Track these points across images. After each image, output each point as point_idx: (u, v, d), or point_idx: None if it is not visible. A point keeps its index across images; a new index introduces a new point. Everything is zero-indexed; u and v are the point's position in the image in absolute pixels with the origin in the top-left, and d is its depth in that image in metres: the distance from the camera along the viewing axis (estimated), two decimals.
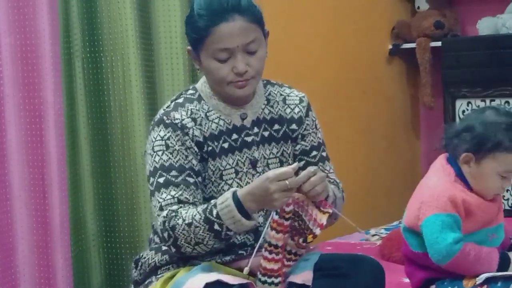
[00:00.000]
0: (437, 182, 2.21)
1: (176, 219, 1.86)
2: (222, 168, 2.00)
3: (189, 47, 2.02)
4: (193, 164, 1.95)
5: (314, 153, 2.11)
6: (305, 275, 1.97)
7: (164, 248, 2.00)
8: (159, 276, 2.00)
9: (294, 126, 2.09)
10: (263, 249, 1.87)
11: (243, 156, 2.03)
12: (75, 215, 2.84)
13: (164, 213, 1.89)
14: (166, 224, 1.87)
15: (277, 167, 2.02)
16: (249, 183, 1.98)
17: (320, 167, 2.06)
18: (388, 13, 4.01)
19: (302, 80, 3.53)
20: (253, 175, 2.02)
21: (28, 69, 2.68)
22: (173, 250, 1.91)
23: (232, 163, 2.01)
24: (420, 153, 4.11)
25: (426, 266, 2.21)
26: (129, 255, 2.85)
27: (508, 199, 3.63)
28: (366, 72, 3.91)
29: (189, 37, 2.00)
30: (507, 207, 3.53)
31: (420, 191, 2.26)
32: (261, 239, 1.85)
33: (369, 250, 2.92)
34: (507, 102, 3.64)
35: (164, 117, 1.97)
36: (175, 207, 1.88)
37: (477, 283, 2.12)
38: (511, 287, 2.08)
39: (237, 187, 1.97)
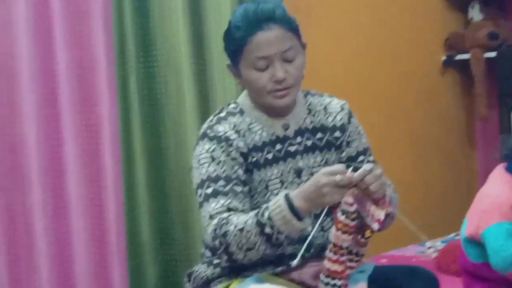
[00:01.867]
0: (498, 191, 2.18)
1: (227, 226, 1.87)
2: (267, 179, 2.02)
3: (228, 62, 2.05)
4: (240, 174, 1.97)
5: (361, 158, 2.11)
6: (359, 287, 1.96)
7: (215, 261, 2.01)
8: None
9: (337, 134, 2.10)
10: (328, 250, 1.85)
11: (288, 166, 2.04)
12: (131, 228, 2.87)
13: (215, 221, 1.89)
14: (217, 231, 1.87)
15: None
16: None
17: None
18: (441, 24, 3.97)
19: (355, 94, 3.51)
20: (298, 184, 2.02)
21: (84, 85, 2.74)
22: (225, 257, 1.91)
23: (277, 173, 2.03)
24: (477, 164, 4.05)
25: (485, 277, 2.18)
26: (184, 268, 2.86)
27: None
28: (420, 84, 3.87)
29: (227, 51, 2.03)
30: None
31: (480, 200, 2.24)
32: (305, 244, 1.82)
33: (425, 262, 2.89)
34: None
35: (208, 131, 2.01)
36: (225, 214, 1.89)
37: None
38: None
39: None
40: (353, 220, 1.82)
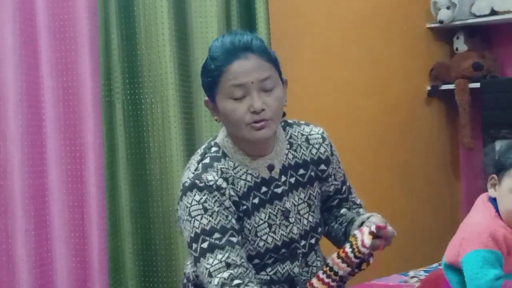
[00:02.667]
0: (478, 219, 2.19)
1: None
2: (256, 225, 1.97)
3: (206, 98, 1.98)
4: (234, 224, 1.90)
5: (344, 188, 2.12)
6: None
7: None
8: None
9: (323, 167, 2.06)
10: (321, 271, 1.90)
11: (275, 209, 1.99)
12: (114, 255, 2.86)
13: (216, 280, 1.83)
14: None
15: (307, 212, 2.03)
16: (283, 235, 1.98)
17: (351, 199, 2.14)
18: (426, 55, 4.01)
19: (342, 125, 3.55)
20: (286, 226, 1.99)
21: (69, 111, 2.75)
22: None
23: (265, 217, 1.97)
24: (461, 194, 4.07)
25: None
26: None
27: None
28: (405, 114, 3.90)
29: (204, 84, 1.97)
30: None
31: (462, 228, 2.25)
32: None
33: None
34: None
35: (197, 181, 1.91)
36: (225, 274, 1.83)
37: None
38: None
39: (271, 241, 1.97)
40: (357, 258, 1.87)
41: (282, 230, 1.98)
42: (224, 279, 1.83)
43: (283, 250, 2.00)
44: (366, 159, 3.61)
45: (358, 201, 2.17)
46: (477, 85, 3.81)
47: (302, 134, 2.06)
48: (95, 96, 2.74)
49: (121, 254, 2.90)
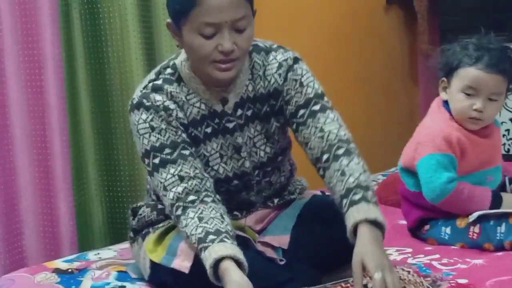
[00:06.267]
0: (433, 123, 2.25)
1: (181, 218, 1.81)
2: (207, 154, 1.94)
3: (169, 20, 1.86)
4: (184, 137, 1.88)
5: (301, 112, 1.91)
6: (282, 239, 1.97)
7: (160, 206, 1.98)
8: (155, 227, 2.01)
9: (272, 101, 1.96)
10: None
11: (226, 141, 1.95)
12: (76, 164, 2.88)
13: (171, 195, 1.83)
14: (173, 211, 1.83)
15: (264, 143, 1.98)
16: (234, 167, 1.96)
17: (311, 124, 1.89)
18: None
19: (298, 31, 3.55)
20: (237, 160, 1.97)
21: (26, 21, 2.70)
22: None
23: (217, 147, 1.94)
24: (419, 101, 4.13)
25: (421, 205, 2.26)
26: (131, 203, 2.89)
27: (504, 144, 3.67)
28: (364, 21, 3.91)
29: (170, 8, 1.84)
30: (503, 152, 3.56)
31: (417, 133, 2.31)
32: None
33: None
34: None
35: (144, 100, 1.87)
36: (179, 188, 1.82)
37: (470, 221, 2.17)
38: (503, 225, 2.13)
39: (223, 172, 1.95)
40: None
41: (233, 163, 1.97)
42: (179, 193, 1.83)
43: (235, 182, 1.99)
44: (324, 67, 3.62)
45: (340, 134, 1.89)
46: None
47: (264, 65, 1.95)
48: (52, 6, 2.70)
49: (84, 162, 2.92)
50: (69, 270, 2.21)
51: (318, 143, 1.87)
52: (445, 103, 2.26)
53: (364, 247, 1.67)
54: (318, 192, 2.19)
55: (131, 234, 2.10)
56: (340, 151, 1.84)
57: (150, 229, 2.02)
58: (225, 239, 1.74)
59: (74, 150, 2.86)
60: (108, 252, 2.41)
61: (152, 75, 1.94)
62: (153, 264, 1.92)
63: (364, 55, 3.91)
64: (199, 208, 1.81)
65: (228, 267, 1.69)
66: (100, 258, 2.33)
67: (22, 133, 2.70)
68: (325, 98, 1.94)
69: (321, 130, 1.88)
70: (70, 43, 2.86)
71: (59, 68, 2.72)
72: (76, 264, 2.27)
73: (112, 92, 2.91)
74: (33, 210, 2.74)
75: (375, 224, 1.71)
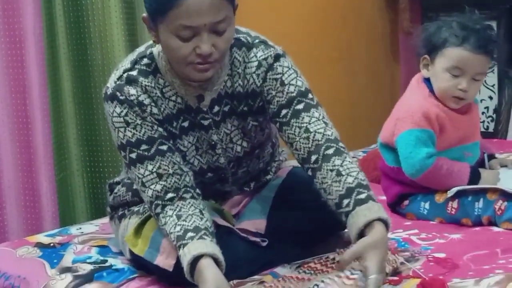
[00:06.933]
0: (412, 100, 2.27)
1: (160, 216, 1.80)
2: (184, 149, 1.91)
3: (145, 15, 1.78)
4: (161, 131, 1.83)
5: (284, 112, 1.84)
6: (258, 223, 1.96)
7: (135, 187, 1.92)
8: (131, 209, 2.00)
9: (250, 101, 1.90)
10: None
11: (202, 137, 1.91)
12: (58, 140, 2.88)
13: (150, 192, 1.81)
14: (152, 208, 1.82)
15: (240, 138, 1.95)
16: (209, 161, 1.94)
17: (295, 124, 1.83)
18: None
19: (279, 9, 3.55)
20: (212, 156, 1.94)
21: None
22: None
23: (193, 140, 1.91)
24: (400, 78, 4.15)
25: (401, 181, 2.28)
26: (112, 178, 2.90)
27: (483, 122, 3.70)
28: None
29: (147, 5, 1.75)
30: (482, 130, 3.59)
31: (397, 109, 2.33)
32: None
33: None
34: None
35: (117, 93, 1.81)
36: (158, 187, 1.80)
37: (448, 196, 2.19)
38: (481, 200, 2.15)
39: (198, 164, 1.93)
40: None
41: (208, 157, 1.94)
42: (158, 191, 1.81)
43: (210, 174, 1.98)
44: (307, 44, 3.63)
45: (320, 139, 1.82)
46: None
47: (244, 61, 1.88)
48: None
49: (65, 138, 2.92)
50: (51, 244, 2.22)
51: (303, 144, 1.81)
52: (426, 80, 2.27)
53: (376, 244, 1.64)
54: (295, 163, 2.08)
55: (109, 209, 2.10)
56: (330, 151, 1.79)
57: (126, 211, 2.01)
58: (204, 236, 1.73)
59: (55, 126, 2.85)
60: (90, 227, 2.42)
61: (127, 64, 1.86)
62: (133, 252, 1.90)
63: (345, 32, 3.91)
64: (177, 206, 1.80)
65: (206, 264, 1.68)
66: (82, 232, 2.34)
67: (3, 108, 2.70)
68: (310, 95, 1.87)
69: (306, 130, 1.82)
70: (51, 18, 2.85)
71: (40, 43, 2.71)
72: (58, 239, 2.28)
73: (94, 68, 2.91)
74: (15, 185, 2.74)
75: (385, 224, 1.70)
